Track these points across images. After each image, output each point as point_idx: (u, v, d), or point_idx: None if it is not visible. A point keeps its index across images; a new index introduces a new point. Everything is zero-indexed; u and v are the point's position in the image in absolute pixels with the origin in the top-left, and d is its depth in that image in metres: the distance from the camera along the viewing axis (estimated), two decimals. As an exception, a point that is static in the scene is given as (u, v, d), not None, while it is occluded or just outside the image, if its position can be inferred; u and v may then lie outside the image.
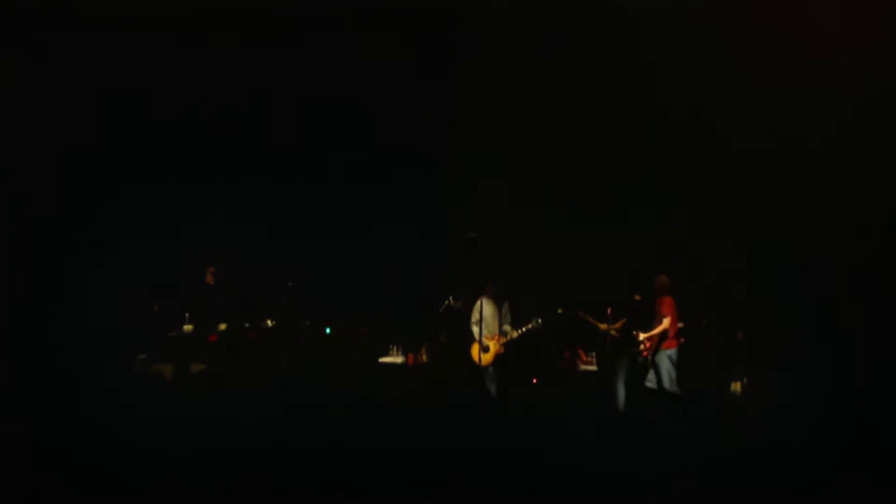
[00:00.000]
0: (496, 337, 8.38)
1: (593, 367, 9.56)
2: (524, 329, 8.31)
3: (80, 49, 8.37)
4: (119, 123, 9.06)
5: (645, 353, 8.34)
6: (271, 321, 9.37)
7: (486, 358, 8.36)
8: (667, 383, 8.01)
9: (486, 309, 8.54)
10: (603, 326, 8.66)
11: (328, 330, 9.95)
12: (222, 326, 9.17)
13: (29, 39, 8.27)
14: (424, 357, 9.46)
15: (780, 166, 8.83)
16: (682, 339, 8.33)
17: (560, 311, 8.96)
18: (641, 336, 8.20)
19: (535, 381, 9.43)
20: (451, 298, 9.02)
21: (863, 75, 7.94)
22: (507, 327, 8.39)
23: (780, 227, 9.02)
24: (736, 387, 9.04)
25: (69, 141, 8.87)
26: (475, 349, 8.43)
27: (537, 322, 8.27)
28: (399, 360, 9.61)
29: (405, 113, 9.38)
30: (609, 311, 8.68)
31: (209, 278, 8.96)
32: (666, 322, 8.00)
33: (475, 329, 8.50)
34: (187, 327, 9.04)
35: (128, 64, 8.56)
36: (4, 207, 8.68)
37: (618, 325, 8.54)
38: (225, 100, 9.11)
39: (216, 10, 8.25)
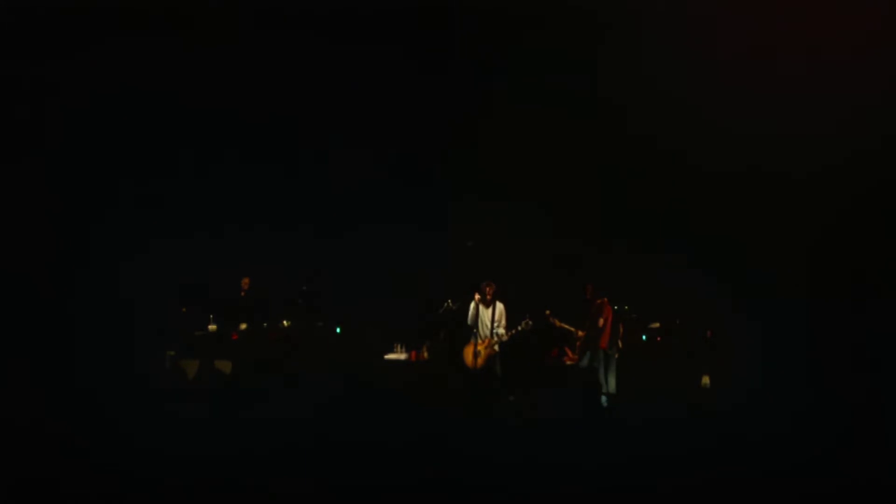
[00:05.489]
0: (487, 340, 9.02)
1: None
2: (515, 331, 8.90)
3: (112, 52, 8.62)
4: (151, 129, 9.47)
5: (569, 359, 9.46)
6: (287, 321, 10.10)
7: (479, 361, 8.87)
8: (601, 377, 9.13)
9: (480, 310, 9.11)
10: (580, 333, 9.57)
11: (339, 329, 10.58)
12: (243, 326, 9.98)
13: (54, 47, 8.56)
14: (426, 354, 10.06)
15: (747, 177, 9.33)
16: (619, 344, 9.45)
17: (548, 312, 9.72)
18: (580, 333, 9.41)
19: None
20: (449, 301, 9.46)
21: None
22: (500, 330, 8.94)
23: (750, 233, 9.58)
24: (705, 380, 9.81)
25: (106, 145, 9.29)
26: (468, 351, 9.01)
27: (527, 323, 8.90)
28: (402, 356, 10.14)
29: (410, 116, 9.78)
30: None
31: (244, 286, 9.75)
32: (600, 322, 9.11)
33: (470, 329, 9.10)
34: (212, 327, 9.83)
35: (154, 66, 8.84)
36: (41, 211, 9.08)
37: (581, 333, 9.49)
38: (235, 106, 9.44)
39: (216, 9, 8.49)
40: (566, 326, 9.72)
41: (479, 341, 8.96)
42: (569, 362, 10.02)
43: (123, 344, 9.06)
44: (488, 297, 9.07)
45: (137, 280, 9.45)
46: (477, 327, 9.00)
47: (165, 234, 9.82)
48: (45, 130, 9.10)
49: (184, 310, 9.69)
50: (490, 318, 9.07)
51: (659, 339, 10.24)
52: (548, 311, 9.74)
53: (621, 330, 9.75)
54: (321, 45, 9.13)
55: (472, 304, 9.14)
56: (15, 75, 8.69)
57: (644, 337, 10.50)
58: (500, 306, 9.12)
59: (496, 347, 8.99)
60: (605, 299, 9.43)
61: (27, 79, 8.77)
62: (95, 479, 5.35)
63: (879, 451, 6.40)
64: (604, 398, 8.92)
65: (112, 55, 8.74)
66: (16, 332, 8.52)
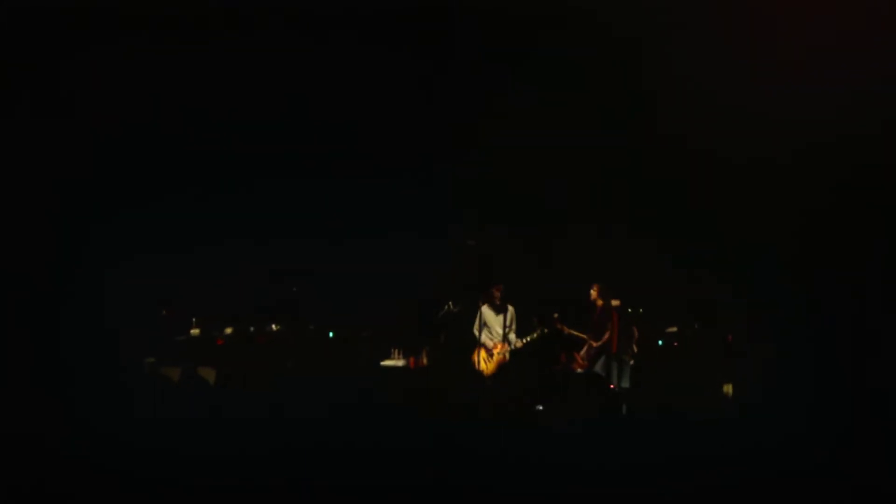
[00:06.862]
0: (500, 345, 8.55)
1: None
2: (530, 338, 8.54)
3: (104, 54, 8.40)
4: (135, 133, 9.11)
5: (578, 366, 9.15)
6: (276, 325, 9.63)
7: (490, 367, 8.50)
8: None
9: (489, 314, 8.70)
10: (594, 343, 9.14)
11: (331, 334, 10.18)
12: (228, 330, 9.49)
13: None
14: (425, 360, 9.62)
15: (763, 170, 8.94)
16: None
17: (556, 315, 9.27)
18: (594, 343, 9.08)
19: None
20: (450, 304, 9.15)
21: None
22: (511, 336, 8.54)
23: (767, 232, 9.12)
24: (728, 388, 9.33)
25: (89, 149, 8.91)
26: (475, 357, 8.53)
27: (543, 330, 8.59)
28: (400, 363, 9.69)
29: (409, 116, 9.50)
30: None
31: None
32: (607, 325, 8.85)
33: (477, 335, 8.65)
34: (194, 331, 9.35)
35: (146, 69, 8.62)
36: (24, 212, 8.70)
37: (594, 342, 9.09)
38: (229, 106, 9.18)
39: (214, 11, 8.33)
40: (575, 333, 9.26)
41: (491, 347, 8.52)
42: (579, 369, 9.56)
43: (109, 347, 8.64)
44: (497, 301, 8.59)
45: (124, 281, 9.08)
46: (482, 332, 8.56)
47: (159, 235, 9.48)
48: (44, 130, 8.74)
49: (165, 312, 9.21)
50: (501, 322, 8.63)
51: (676, 343, 9.76)
52: (555, 315, 9.30)
53: (636, 334, 9.37)
54: (320, 45, 8.85)
55: (480, 308, 8.72)
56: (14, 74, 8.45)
57: (660, 342, 10.10)
58: (510, 310, 8.73)
59: (507, 355, 8.58)
60: (614, 301, 9.05)
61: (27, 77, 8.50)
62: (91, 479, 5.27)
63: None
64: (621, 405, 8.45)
65: (113, 56, 8.51)
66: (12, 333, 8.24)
